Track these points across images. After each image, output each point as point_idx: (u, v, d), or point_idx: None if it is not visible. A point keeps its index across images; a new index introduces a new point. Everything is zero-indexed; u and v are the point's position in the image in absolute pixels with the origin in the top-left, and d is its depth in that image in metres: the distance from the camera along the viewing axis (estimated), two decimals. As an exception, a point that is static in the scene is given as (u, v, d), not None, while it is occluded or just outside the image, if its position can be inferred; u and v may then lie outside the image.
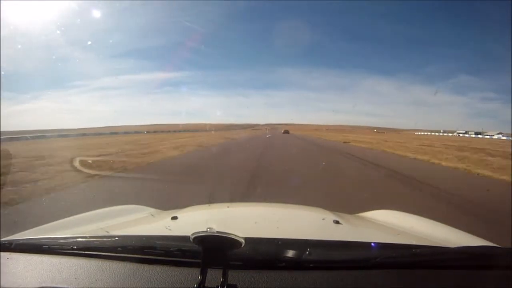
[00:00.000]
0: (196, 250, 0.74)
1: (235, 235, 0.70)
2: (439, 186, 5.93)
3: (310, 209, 1.68)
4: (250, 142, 22.47)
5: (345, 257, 0.87)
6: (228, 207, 1.65)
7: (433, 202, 4.68)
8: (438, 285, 0.80)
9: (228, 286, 0.72)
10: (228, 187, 5.25)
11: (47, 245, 0.95)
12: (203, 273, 0.71)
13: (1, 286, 0.78)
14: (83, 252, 0.91)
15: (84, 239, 0.98)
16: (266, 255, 0.85)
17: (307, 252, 0.82)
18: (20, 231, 1.14)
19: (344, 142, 23.79)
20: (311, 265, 0.82)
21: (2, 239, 1.00)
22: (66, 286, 0.78)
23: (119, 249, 0.89)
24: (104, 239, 0.98)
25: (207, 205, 1.80)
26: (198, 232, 0.70)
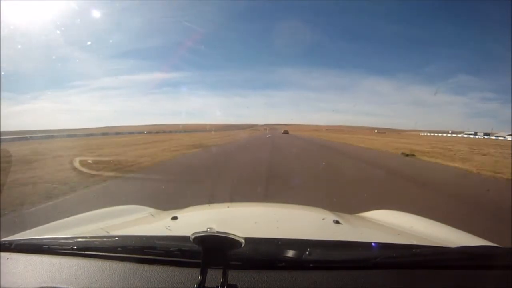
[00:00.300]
0: (196, 250, 0.74)
1: (235, 235, 0.70)
2: None
3: (310, 209, 1.68)
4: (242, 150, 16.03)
5: (345, 257, 0.87)
6: (228, 207, 1.66)
7: None
8: (438, 285, 0.80)
9: (228, 286, 0.72)
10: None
11: (47, 245, 0.95)
12: (203, 273, 0.71)
13: (1, 286, 0.78)
14: (83, 252, 0.91)
15: (84, 239, 0.98)
16: (266, 255, 0.85)
17: (307, 252, 0.82)
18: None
19: (366, 148, 18.65)
20: (311, 265, 0.82)
21: (2, 239, 1.00)
22: (66, 286, 0.78)
23: (119, 249, 0.89)
24: (104, 239, 0.98)
25: (207, 205, 1.80)
26: (198, 232, 0.70)
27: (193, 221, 1.45)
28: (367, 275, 0.80)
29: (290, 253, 0.82)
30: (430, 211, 3.03)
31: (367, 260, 0.83)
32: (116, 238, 0.97)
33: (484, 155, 14.86)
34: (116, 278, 0.80)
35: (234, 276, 0.76)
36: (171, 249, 0.86)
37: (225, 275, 0.72)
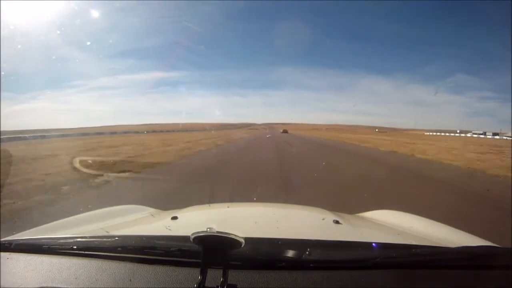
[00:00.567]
0: (196, 250, 0.74)
1: (235, 235, 0.70)
2: None
3: (310, 209, 1.68)
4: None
5: (345, 257, 0.87)
6: (228, 207, 1.65)
7: None
8: (438, 285, 0.80)
9: (228, 286, 0.72)
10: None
11: (47, 245, 0.95)
12: (203, 273, 0.71)
13: (1, 286, 0.78)
14: (83, 252, 0.91)
15: (84, 239, 0.98)
16: (266, 255, 0.85)
17: (307, 252, 0.82)
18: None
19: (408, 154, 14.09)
20: (311, 265, 0.82)
21: (2, 239, 1.00)
22: (66, 286, 0.78)
23: (119, 249, 0.89)
24: (104, 239, 0.98)
25: (207, 205, 1.80)
26: (198, 232, 0.70)
27: (193, 221, 1.45)
28: (367, 275, 0.80)
29: (290, 253, 0.82)
30: None
31: (367, 260, 0.83)
32: (116, 238, 0.97)
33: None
34: (116, 278, 0.80)
35: (234, 276, 0.76)
36: (171, 249, 0.86)
37: (225, 275, 0.72)
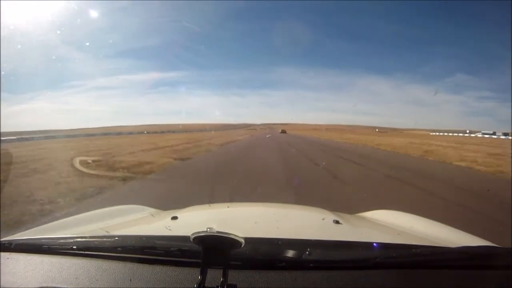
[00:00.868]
0: (196, 250, 0.74)
1: (235, 235, 0.70)
2: None
3: (310, 209, 1.68)
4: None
5: (345, 257, 0.87)
6: (228, 207, 1.65)
7: None
8: (438, 285, 0.80)
9: (228, 286, 0.72)
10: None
11: (47, 245, 0.95)
12: (203, 273, 0.71)
13: (1, 286, 0.78)
14: (83, 252, 0.91)
15: (84, 239, 0.98)
16: (266, 255, 0.85)
17: (307, 252, 0.82)
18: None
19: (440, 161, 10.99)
20: (311, 265, 0.82)
21: (2, 239, 1.00)
22: (66, 286, 0.78)
23: (119, 249, 0.89)
24: (104, 239, 0.98)
25: (207, 205, 1.80)
26: (198, 232, 0.70)
27: (193, 221, 1.45)
28: (367, 275, 0.80)
29: (290, 253, 0.82)
30: None
31: (367, 260, 0.83)
32: (116, 238, 0.97)
33: None
34: (116, 278, 0.80)
35: (234, 276, 0.76)
36: (171, 249, 0.86)
37: (225, 275, 0.72)
